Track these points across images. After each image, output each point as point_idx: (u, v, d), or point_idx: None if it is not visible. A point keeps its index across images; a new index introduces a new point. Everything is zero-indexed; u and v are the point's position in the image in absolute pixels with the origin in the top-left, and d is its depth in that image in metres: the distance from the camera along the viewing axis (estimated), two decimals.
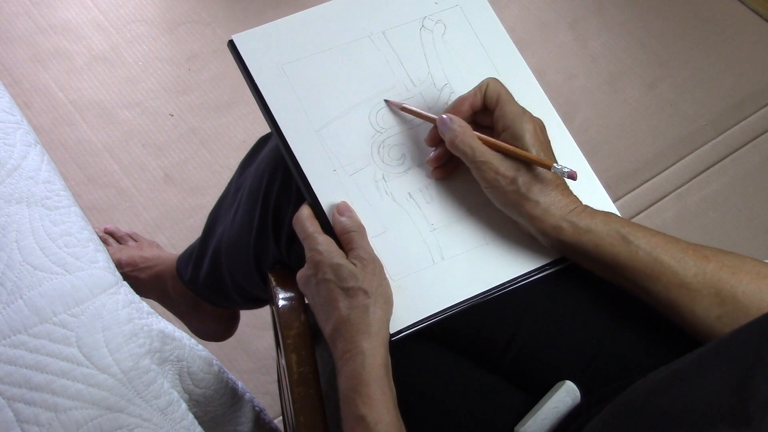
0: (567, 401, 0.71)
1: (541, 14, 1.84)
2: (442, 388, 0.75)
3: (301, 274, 0.72)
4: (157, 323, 0.74)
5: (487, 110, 0.74)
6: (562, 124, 0.81)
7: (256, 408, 0.94)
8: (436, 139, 0.75)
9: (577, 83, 1.75)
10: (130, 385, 0.69)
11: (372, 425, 0.64)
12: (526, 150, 0.71)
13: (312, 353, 0.77)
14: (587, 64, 1.78)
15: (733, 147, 1.68)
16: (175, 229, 1.49)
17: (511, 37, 0.83)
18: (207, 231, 1.01)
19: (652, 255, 0.68)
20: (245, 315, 1.29)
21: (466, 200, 0.77)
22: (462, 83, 0.80)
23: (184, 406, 0.75)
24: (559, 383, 0.72)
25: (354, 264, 0.69)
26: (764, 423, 0.45)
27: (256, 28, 0.78)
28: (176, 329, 0.77)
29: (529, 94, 0.81)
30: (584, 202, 0.72)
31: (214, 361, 0.82)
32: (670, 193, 1.62)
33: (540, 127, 0.73)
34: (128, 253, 1.26)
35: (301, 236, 0.72)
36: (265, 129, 0.87)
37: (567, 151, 0.80)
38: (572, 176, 0.69)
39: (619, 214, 0.73)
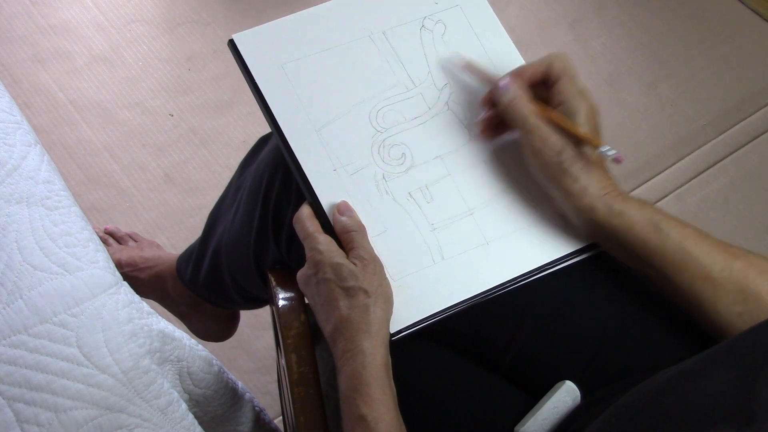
0: (567, 401, 0.71)
1: (541, 14, 1.84)
2: (442, 388, 0.75)
3: (301, 274, 0.72)
4: (157, 323, 0.74)
5: (546, 84, 0.75)
6: None
7: (256, 408, 0.94)
8: (490, 101, 0.76)
9: None
10: (130, 385, 0.69)
11: (372, 424, 0.64)
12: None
13: (312, 353, 0.77)
14: (587, 64, 1.78)
15: (733, 147, 1.68)
16: (175, 229, 1.49)
17: (511, 37, 0.83)
18: (207, 231, 1.01)
19: (681, 245, 0.68)
20: (245, 315, 1.29)
21: (466, 200, 0.77)
22: (462, 83, 0.80)
23: (184, 406, 0.75)
24: (559, 383, 0.72)
25: (354, 263, 0.69)
26: (767, 423, 0.45)
27: (257, 27, 0.78)
28: (176, 329, 0.77)
29: None
30: None
31: (214, 361, 0.82)
32: (670, 193, 1.62)
33: (594, 109, 0.73)
34: (128, 253, 1.26)
35: (301, 236, 0.72)
36: (265, 129, 0.87)
37: None
38: (618, 160, 0.70)
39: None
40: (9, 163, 0.75)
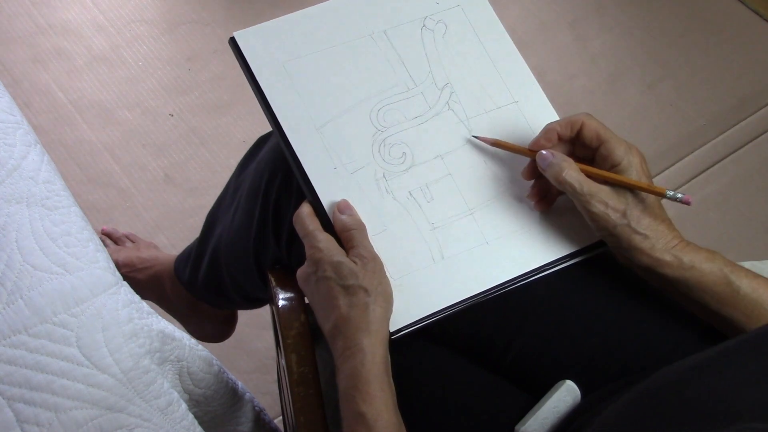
0: (567, 400, 0.71)
1: (541, 14, 1.84)
2: (443, 388, 0.75)
3: (301, 272, 0.72)
4: (157, 323, 0.74)
5: (573, 142, 0.74)
6: None
7: (256, 408, 0.94)
8: (534, 172, 0.75)
9: (577, 83, 1.75)
10: (130, 385, 0.69)
11: (372, 422, 0.64)
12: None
13: (312, 353, 0.77)
14: (587, 64, 1.78)
15: (733, 147, 1.68)
16: (175, 229, 1.49)
17: (511, 37, 0.83)
18: (205, 231, 1.01)
19: (752, 297, 0.68)
20: (245, 315, 1.29)
21: (466, 200, 0.77)
22: (463, 83, 0.80)
23: (184, 406, 0.75)
24: (560, 382, 0.72)
25: (354, 262, 0.69)
26: None
27: (258, 25, 0.78)
28: (176, 329, 0.77)
29: (529, 95, 0.81)
30: None
31: (214, 361, 0.82)
32: None
33: (643, 158, 0.73)
34: (125, 254, 1.25)
35: (301, 234, 0.72)
36: (265, 129, 0.87)
37: None
38: (687, 201, 0.70)
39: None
40: (9, 163, 0.75)
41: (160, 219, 1.50)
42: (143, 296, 1.19)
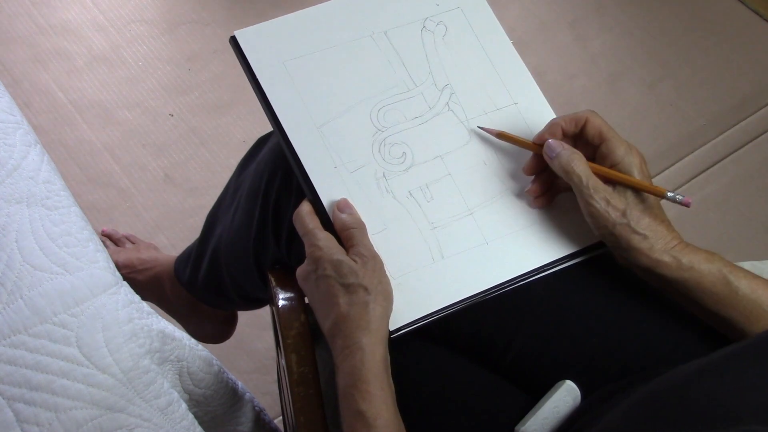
0: (567, 401, 0.71)
1: (541, 14, 1.84)
2: (443, 388, 0.75)
3: (301, 270, 0.72)
4: (157, 323, 0.74)
5: (575, 138, 0.74)
6: None
7: (256, 408, 0.94)
8: (535, 168, 0.75)
9: (577, 83, 1.75)
10: (130, 385, 0.69)
11: (371, 421, 0.64)
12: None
13: (312, 353, 0.77)
14: (587, 64, 1.78)
15: (733, 147, 1.68)
16: (175, 229, 1.49)
17: (511, 37, 0.83)
18: (205, 232, 1.01)
19: (751, 297, 0.68)
20: (245, 315, 1.29)
21: (466, 200, 0.77)
22: (463, 84, 0.80)
23: (184, 406, 0.75)
24: (560, 383, 0.72)
25: (354, 260, 0.69)
26: None
27: (259, 24, 0.78)
28: (176, 329, 0.77)
29: (528, 96, 0.81)
30: None
31: (214, 361, 0.82)
32: None
33: (644, 159, 0.73)
34: (125, 255, 1.26)
35: (301, 232, 0.72)
36: (265, 129, 0.87)
37: None
38: (687, 203, 0.70)
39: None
40: (9, 163, 0.75)
41: (160, 219, 1.50)
42: (143, 297, 1.18)
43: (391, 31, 0.81)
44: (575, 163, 0.71)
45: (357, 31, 0.80)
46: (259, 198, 0.83)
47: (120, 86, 1.64)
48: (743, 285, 0.68)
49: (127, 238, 1.36)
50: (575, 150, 0.72)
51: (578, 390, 0.72)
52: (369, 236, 0.72)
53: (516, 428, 0.71)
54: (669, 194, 0.71)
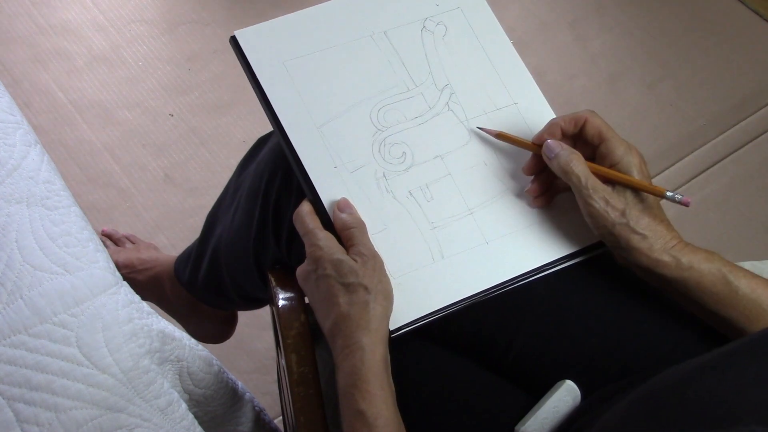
0: (567, 400, 0.71)
1: (541, 14, 1.84)
2: (443, 388, 0.75)
3: (301, 270, 0.72)
4: (157, 323, 0.74)
5: (575, 138, 0.75)
6: None
7: (256, 408, 0.94)
8: (535, 167, 0.75)
9: (577, 83, 1.75)
10: (130, 385, 0.69)
11: (371, 420, 0.64)
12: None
13: (312, 353, 0.77)
14: (587, 64, 1.78)
15: (733, 147, 1.68)
16: (175, 229, 1.49)
17: (511, 37, 0.83)
18: (205, 232, 1.01)
19: (751, 297, 0.68)
20: (245, 315, 1.29)
21: (466, 200, 0.77)
22: (463, 84, 0.80)
23: (184, 406, 0.75)
24: (560, 382, 0.72)
25: (354, 260, 0.69)
26: None
27: (259, 24, 0.78)
28: (176, 329, 0.77)
29: (528, 96, 0.81)
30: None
31: (214, 361, 0.82)
32: None
33: (643, 159, 0.73)
34: (125, 255, 1.26)
35: (301, 232, 0.72)
36: (265, 129, 0.87)
37: None
38: (686, 203, 0.70)
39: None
40: (9, 163, 0.75)
41: (160, 219, 1.50)
42: (143, 297, 1.18)
43: (391, 31, 0.81)
44: (574, 163, 0.71)
45: (357, 31, 0.80)
46: (259, 198, 0.83)
47: (120, 86, 1.64)
48: (743, 284, 0.68)
49: (127, 238, 1.36)
50: (574, 150, 0.72)
51: (578, 390, 0.72)
52: (369, 236, 0.72)
53: (516, 428, 0.71)
54: (668, 194, 0.71)
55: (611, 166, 0.72)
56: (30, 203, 0.73)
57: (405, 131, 0.78)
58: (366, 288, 0.68)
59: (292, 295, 0.79)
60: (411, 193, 0.76)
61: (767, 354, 0.52)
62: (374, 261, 0.70)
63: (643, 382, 0.61)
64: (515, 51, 0.83)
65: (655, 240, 0.70)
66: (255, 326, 1.38)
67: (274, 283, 0.81)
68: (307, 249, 0.71)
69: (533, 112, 0.80)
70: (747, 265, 0.88)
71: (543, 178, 0.76)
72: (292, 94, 0.76)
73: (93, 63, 1.66)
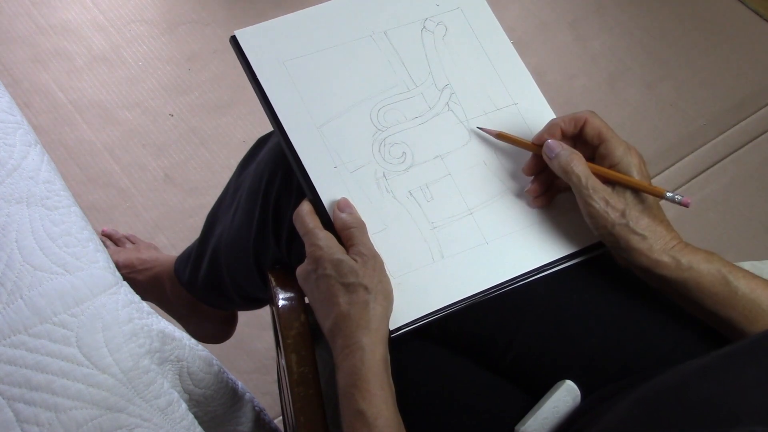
0: (567, 400, 0.71)
1: (541, 14, 1.84)
2: (443, 388, 0.75)
3: (301, 270, 0.72)
4: (157, 323, 0.74)
5: (575, 139, 0.75)
6: None
7: (256, 408, 0.94)
8: (535, 168, 0.75)
9: (577, 83, 1.75)
10: (130, 385, 0.69)
11: (371, 420, 0.64)
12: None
13: (312, 353, 0.77)
14: (587, 64, 1.78)
15: (733, 147, 1.68)
16: (175, 229, 1.49)
17: (511, 37, 0.83)
18: (206, 231, 1.01)
19: (750, 297, 0.68)
20: (245, 315, 1.29)
21: (466, 200, 0.77)
22: (463, 84, 0.80)
23: (184, 406, 0.75)
24: (560, 382, 0.72)
25: (354, 260, 0.69)
26: None
27: (259, 24, 0.78)
28: (176, 329, 0.77)
29: (528, 96, 0.81)
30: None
31: (214, 361, 0.82)
32: None
33: (642, 159, 0.73)
34: (125, 255, 1.26)
35: (301, 232, 0.72)
36: (265, 129, 0.87)
37: None
38: (686, 203, 0.70)
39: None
40: (9, 163, 0.75)
41: (160, 219, 1.50)
42: (143, 297, 1.18)
43: (391, 32, 0.81)
44: (574, 163, 0.71)
45: (357, 31, 0.80)
46: (259, 198, 0.83)
47: (120, 86, 1.64)
48: (742, 285, 0.68)
49: (127, 238, 1.36)
50: (574, 150, 0.72)
51: (578, 390, 0.72)
52: (369, 236, 0.72)
53: (516, 428, 0.71)
54: (668, 194, 0.71)
55: (611, 167, 0.72)
56: (30, 203, 0.73)
57: (405, 131, 0.78)
58: (366, 288, 0.68)
59: (292, 295, 0.79)
60: (411, 193, 0.76)
61: (764, 358, 0.52)
62: (374, 261, 0.70)
63: (643, 382, 0.61)
64: (515, 51, 0.83)
65: (654, 240, 0.70)
66: (255, 326, 1.38)
67: (274, 283, 0.81)
68: (307, 249, 0.71)
69: (533, 112, 0.80)
70: (747, 265, 0.88)
71: (543, 178, 0.76)
72: (292, 94, 0.76)
73: (93, 63, 1.66)
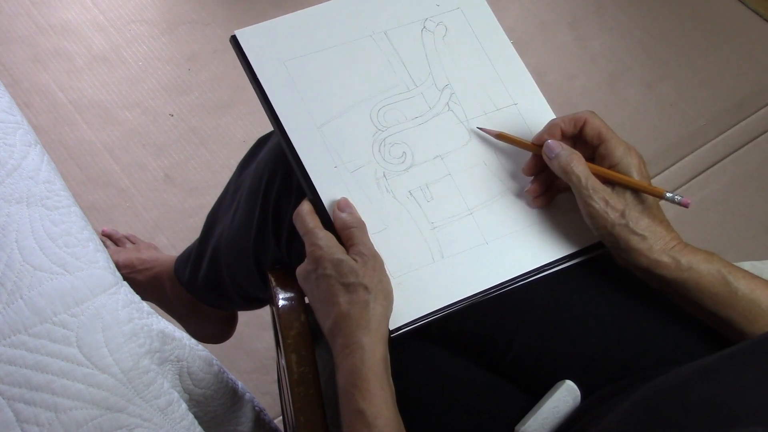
0: (567, 400, 0.71)
1: (541, 14, 1.84)
2: (443, 388, 0.75)
3: (301, 269, 0.72)
4: (157, 323, 0.74)
5: (574, 139, 0.75)
6: None
7: (256, 408, 0.94)
8: (535, 168, 0.75)
9: (577, 83, 1.75)
10: (130, 385, 0.69)
11: (371, 419, 0.64)
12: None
13: (312, 353, 0.77)
14: (587, 64, 1.78)
15: (733, 147, 1.68)
16: (175, 229, 1.49)
17: (511, 37, 0.83)
18: (206, 231, 1.01)
19: (750, 297, 0.68)
20: (245, 315, 1.29)
21: (466, 200, 0.77)
22: (463, 84, 0.80)
23: (184, 406, 0.75)
24: (560, 382, 0.72)
25: (355, 260, 0.69)
26: None
27: (259, 24, 0.78)
28: (176, 329, 0.77)
29: (528, 96, 0.81)
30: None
31: (214, 361, 0.82)
32: None
33: (642, 160, 0.73)
34: (125, 255, 1.26)
35: (301, 231, 0.72)
36: (265, 129, 0.87)
37: None
38: (686, 204, 0.70)
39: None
40: (9, 163, 0.75)
41: (160, 219, 1.50)
42: (143, 298, 1.18)
43: (391, 32, 0.81)
44: (574, 163, 0.71)
45: (357, 31, 0.80)
46: (259, 198, 0.83)
47: (120, 86, 1.64)
48: (742, 285, 0.68)
49: (128, 238, 1.36)
50: (574, 150, 0.72)
51: (578, 390, 0.72)
52: (369, 236, 0.72)
53: (516, 428, 0.71)
54: (668, 195, 0.71)
55: (611, 167, 0.72)
56: (30, 203, 0.73)
57: (405, 131, 0.78)
58: (366, 287, 0.68)
59: (292, 295, 0.79)
60: (411, 193, 0.76)
61: (765, 359, 0.52)
62: (374, 261, 0.70)
63: (643, 382, 0.61)
64: (515, 51, 0.83)
65: (654, 241, 0.70)
66: (255, 326, 1.38)
67: (274, 283, 0.81)
68: (307, 248, 0.71)
69: (533, 112, 0.80)
70: (747, 265, 0.88)
71: (543, 179, 0.76)
72: (292, 94, 0.76)
73: (93, 63, 1.66)
